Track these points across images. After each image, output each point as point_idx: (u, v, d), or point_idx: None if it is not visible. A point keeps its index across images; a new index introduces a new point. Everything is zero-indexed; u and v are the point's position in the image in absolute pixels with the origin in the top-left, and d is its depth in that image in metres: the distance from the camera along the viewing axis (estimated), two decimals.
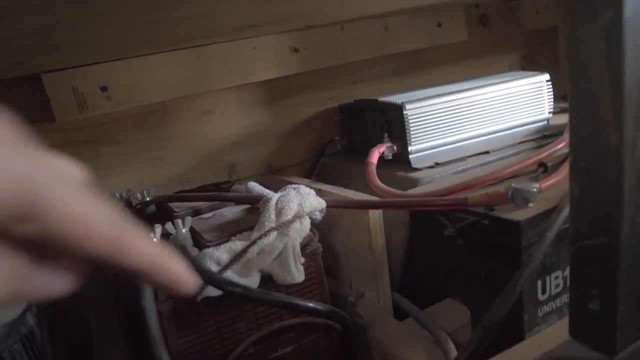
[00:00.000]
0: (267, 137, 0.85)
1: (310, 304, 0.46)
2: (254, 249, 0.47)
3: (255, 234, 0.49)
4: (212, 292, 0.46)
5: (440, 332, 0.53)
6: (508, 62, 1.15)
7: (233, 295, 0.45)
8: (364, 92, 0.91)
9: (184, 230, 0.51)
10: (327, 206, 0.56)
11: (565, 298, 0.57)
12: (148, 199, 0.71)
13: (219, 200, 0.63)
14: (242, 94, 0.81)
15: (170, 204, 0.67)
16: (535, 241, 0.51)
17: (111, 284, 0.74)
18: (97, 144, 0.72)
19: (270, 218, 0.50)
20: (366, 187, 0.65)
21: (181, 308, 0.47)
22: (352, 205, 0.57)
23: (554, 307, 0.56)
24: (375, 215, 0.59)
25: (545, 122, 0.81)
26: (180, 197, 0.67)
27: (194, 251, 0.49)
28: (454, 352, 0.49)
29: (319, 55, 0.84)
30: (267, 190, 0.62)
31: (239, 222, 0.56)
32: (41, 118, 0.66)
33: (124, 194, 0.72)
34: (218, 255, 0.47)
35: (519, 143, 0.76)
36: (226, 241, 0.50)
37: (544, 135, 0.78)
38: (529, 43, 1.17)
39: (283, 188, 0.59)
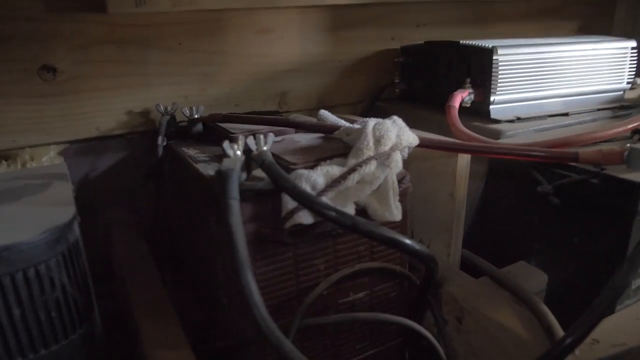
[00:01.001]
0: (324, 69, 0.78)
1: (415, 245, 0.40)
2: (354, 177, 0.41)
3: (353, 161, 0.43)
4: (305, 218, 0.40)
5: (529, 294, 0.48)
6: (567, 29, 1.09)
7: (338, 225, 0.39)
8: (427, 36, 0.84)
9: (265, 147, 0.44)
10: (420, 145, 0.50)
11: None
12: (197, 115, 0.64)
13: (286, 126, 0.57)
14: (305, 16, 0.73)
15: (223, 125, 0.60)
16: None
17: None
18: (146, 47, 0.63)
19: (369, 146, 0.44)
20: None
21: (264, 233, 0.41)
22: (444, 147, 0.52)
23: None
24: (464, 160, 0.53)
25: (622, 92, 0.76)
26: (239, 117, 0.60)
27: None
28: (550, 316, 0.45)
29: None
30: (343, 121, 0.56)
31: (321, 148, 0.49)
32: (91, 6, 0.58)
33: (168, 108, 0.65)
34: (315, 178, 0.41)
35: (597, 110, 0.71)
36: (313, 166, 0.44)
37: (621, 105, 0.73)
38: (587, 14, 1.11)
39: (366, 119, 0.53)
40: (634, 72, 0.76)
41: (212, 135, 0.61)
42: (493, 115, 0.64)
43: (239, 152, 0.42)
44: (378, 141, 0.45)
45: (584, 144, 0.54)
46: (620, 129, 0.57)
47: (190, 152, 0.56)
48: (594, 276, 0.52)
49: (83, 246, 0.41)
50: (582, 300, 0.46)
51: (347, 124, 0.54)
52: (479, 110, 0.65)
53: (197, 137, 0.63)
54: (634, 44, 0.74)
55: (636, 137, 0.58)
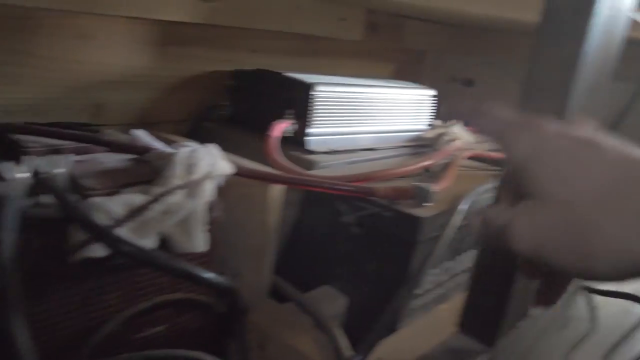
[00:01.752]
0: (148, 84, 0.74)
1: (215, 278, 0.40)
2: (158, 207, 0.40)
3: (158, 190, 0.42)
4: (97, 251, 0.37)
5: (327, 319, 0.52)
6: (385, 71, 1.21)
7: (133, 260, 0.37)
8: (261, 63, 0.86)
9: (59, 170, 0.41)
10: (235, 174, 0.50)
11: (433, 294, 0.61)
12: None
13: (93, 143, 0.52)
14: (132, 27, 0.69)
15: (19, 137, 0.54)
16: (431, 237, 0.53)
17: None
18: None
19: (177, 174, 0.43)
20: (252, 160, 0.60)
21: (48, 267, 0.37)
22: (260, 177, 0.53)
23: (424, 301, 0.59)
24: (277, 190, 0.55)
25: (422, 132, 0.87)
26: (40, 130, 0.54)
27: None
28: (341, 340, 0.49)
29: (228, 12, 0.76)
30: (158, 143, 0.54)
31: (127, 172, 0.47)
32: None
33: None
34: (112, 208, 0.38)
35: (400, 147, 0.80)
36: (113, 192, 0.42)
37: (419, 144, 0.84)
38: (402, 59, 1.26)
39: (181, 144, 0.52)
40: (433, 116, 0.87)
41: (3, 148, 0.54)
42: (310, 147, 0.68)
43: (23, 174, 0.38)
44: (188, 169, 0.44)
45: (381, 180, 0.60)
46: (413, 167, 0.65)
47: None
48: (384, 299, 0.58)
49: None
50: (374, 321, 0.51)
51: (161, 147, 0.52)
52: (297, 141, 0.69)
53: None
54: (434, 92, 0.85)
55: (427, 174, 0.67)
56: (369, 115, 0.76)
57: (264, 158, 0.61)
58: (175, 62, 0.77)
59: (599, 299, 0.70)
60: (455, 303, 0.55)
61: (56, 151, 0.52)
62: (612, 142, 0.27)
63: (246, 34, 0.85)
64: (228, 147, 0.72)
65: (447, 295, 0.64)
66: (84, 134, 0.55)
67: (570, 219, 0.26)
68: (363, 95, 0.74)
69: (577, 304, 0.70)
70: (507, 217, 0.28)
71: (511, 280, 0.45)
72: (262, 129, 0.69)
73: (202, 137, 0.79)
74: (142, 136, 0.54)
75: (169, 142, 0.56)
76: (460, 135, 0.82)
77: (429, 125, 0.88)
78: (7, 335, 0.30)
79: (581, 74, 0.37)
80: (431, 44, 1.30)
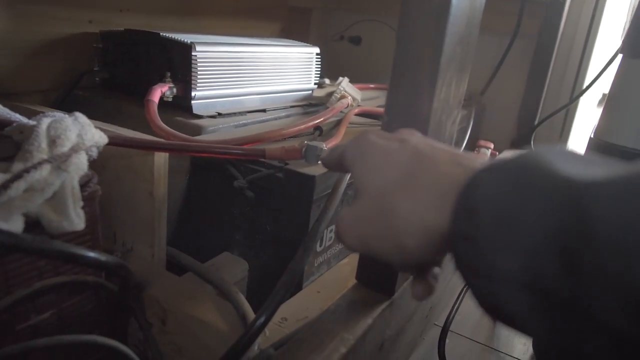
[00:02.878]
0: (4, 49, 0.65)
1: (99, 256, 0.37)
2: (20, 185, 0.36)
3: (19, 166, 0.37)
4: None
5: (229, 285, 0.51)
6: (269, 30, 1.19)
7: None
8: (129, 23, 0.79)
9: None
10: (110, 143, 0.46)
11: (334, 250, 0.63)
12: None
13: None
14: None
15: None
16: (324, 195, 0.54)
17: None
18: None
19: (40, 147, 0.39)
20: (133, 128, 0.56)
21: None
22: (139, 145, 0.49)
23: (325, 258, 0.61)
24: (161, 158, 0.52)
25: (310, 92, 0.87)
26: None
27: None
28: (245, 304, 0.48)
29: None
30: (17, 115, 0.48)
31: None
32: None
33: None
34: None
35: (290, 107, 0.80)
36: None
37: (310, 103, 0.84)
38: (289, 18, 1.24)
39: (43, 114, 0.47)
40: (319, 74, 0.88)
41: None
42: (195, 111, 0.65)
43: None
44: (53, 142, 0.40)
45: (273, 141, 0.60)
46: (304, 126, 0.65)
47: None
48: (286, 260, 0.58)
49: None
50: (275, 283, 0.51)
51: (22, 119, 0.46)
52: (181, 105, 0.65)
53: None
54: (317, 50, 0.85)
55: (316, 133, 0.67)
56: (255, 76, 0.74)
57: (143, 124, 0.57)
58: (34, 24, 0.69)
59: None
60: (355, 257, 0.57)
61: None
62: (419, 140, 0.30)
63: None
64: (104, 115, 0.67)
65: (347, 251, 0.66)
66: None
67: (379, 205, 0.28)
68: (247, 55, 0.71)
69: None
70: (338, 217, 0.31)
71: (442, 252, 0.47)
72: (141, 93, 0.64)
73: (74, 107, 0.72)
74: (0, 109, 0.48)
75: (33, 114, 0.50)
76: (349, 92, 0.83)
77: (316, 84, 0.88)
78: None
79: (453, 17, 0.38)
80: (316, 2, 1.30)
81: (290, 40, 0.88)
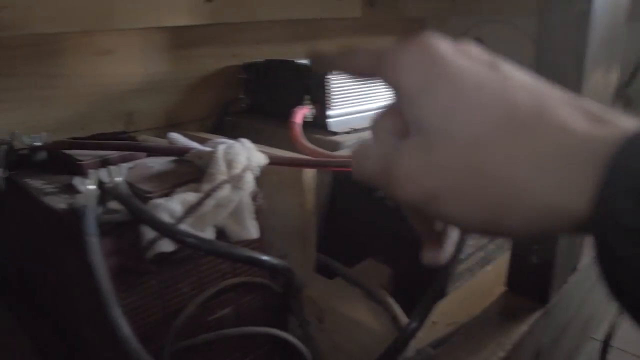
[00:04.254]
0: (169, 87, 0.78)
1: (272, 260, 0.44)
2: (210, 202, 0.44)
3: (207, 186, 0.45)
4: (166, 246, 0.42)
5: (377, 289, 0.55)
6: (388, 43, 1.23)
7: (199, 250, 0.41)
8: (266, 53, 0.89)
9: (118, 178, 0.44)
10: (269, 163, 0.54)
11: (476, 257, 0.64)
12: (39, 143, 0.60)
13: (136, 150, 0.56)
14: (147, 37, 0.73)
15: (70, 152, 0.58)
16: None
17: None
18: None
19: (221, 170, 0.47)
20: (276, 147, 0.64)
21: (126, 265, 0.42)
22: (292, 163, 0.56)
23: (468, 265, 0.63)
24: (310, 173, 0.58)
25: None
26: (86, 144, 0.58)
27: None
28: (395, 307, 0.52)
29: (229, 8, 0.79)
30: (194, 142, 0.58)
31: (175, 174, 0.50)
32: None
33: (7, 137, 0.59)
34: (172, 207, 0.42)
35: None
36: (169, 193, 0.46)
37: None
38: (404, 28, 1.27)
39: (215, 141, 0.56)
40: None
41: (57, 164, 0.58)
42: (331, 128, 0.71)
43: (91, 187, 0.41)
44: (229, 165, 0.48)
45: None
46: None
47: (36, 183, 0.53)
48: (427, 266, 0.61)
49: None
50: (421, 288, 0.55)
51: (198, 146, 0.55)
52: (318, 124, 0.72)
53: (41, 166, 0.59)
54: None
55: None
56: (386, 90, 0.78)
57: (283, 143, 0.64)
58: (190, 63, 0.81)
59: None
60: (499, 264, 0.57)
61: (106, 161, 0.56)
62: (517, 71, 0.22)
63: (249, 27, 0.88)
64: (249, 136, 0.77)
65: (489, 258, 0.67)
66: (126, 143, 0.59)
67: (470, 159, 0.20)
68: None
69: None
70: (389, 156, 0.23)
71: (555, 236, 0.45)
72: (281, 115, 0.72)
73: (226, 131, 0.84)
74: (179, 138, 0.58)
75: (200, 140, 0.60)
76: None
77: None
78: (109, 322, 0.35)
79: (595, 24, 0.39)
80: (430, 9, 1.31)
81: None
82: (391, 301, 0.52)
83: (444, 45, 0.22)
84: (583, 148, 0.18)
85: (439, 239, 0.28)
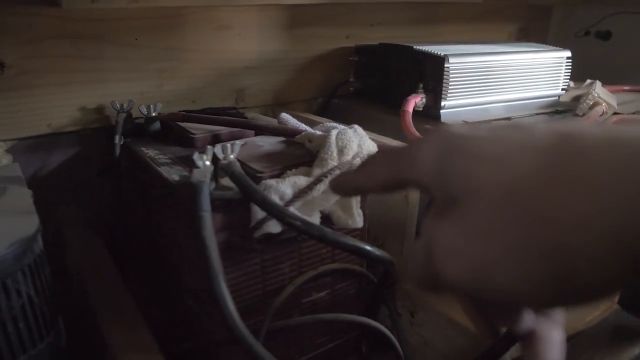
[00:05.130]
0: (280, 66, 0.79)
1: (375, 250, 0.43)
2: (320, 187, 0.44)
3: (318, 171, 0.45)
4: (274, 227, 0.42)
5: None
6: (507, 32, 1.15)
7: (306, 235, 0.41)
8: (380, 35, 0.87)
9: (232, 156, 0.45)
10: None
11: None
12: (154, 113, 0.63)
13: (248, 128, 0.58)
14: (263, 14, 0.74)
15: (183, 124, 0.60)
16: None
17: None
18: (101, 42, 0.62)
19: (332, 155, 0.46)
20: (382, 135, 0.62)
21: (233, 242, 0.43)
22: None
23: None
24: None
25: (557, 97, 0.83)
26: (199, 117, 0.60)
27: None
28: None
29: None
30: (303, 125, 0.58)
31: (285, 155, 0.51)
32: (44, 0, 0.55)
33: (124, 105, 0.64)
34: (283, 189, 0.42)
35: (535, 114, 0.77)
36: (279, 174, 0.46)
37: (557, 110, 0.80)
38: (527, 17, 1.18)
39: (328, 126, 0.55)
40: (568, 79, 0.82)
41: (170, 135, 0.61)
42: (443, 119, 0.68)
43: (208, 163, 0.43)
44: (341, 151, 0.47)
45: None
46: None
47: (150, 152, 0.56)
48: None
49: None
50: None
51: (308, 129, 0.55)
52: (429, 114, 0.69)
53: (155, 135, 0.63)
54: (568, 53, 0.80)
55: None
56: (501, 84, 0.73)
57: (390, 130, 0.62)
58: (303, 43, 0.81)
59: None
60: None
61: (216, 136, 0.58)
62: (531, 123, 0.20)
63: (363, 9, 0.86)
64: (356, 121, 0.75)
65: None
66: (238, 120, 0.60)
67: (512, 209, 0.18)
68: (495, 64, 0.71)
69: None
70: (429, 236, 0.21)
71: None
72: (391, 102, 0.70)
73: (332, 114, 0.83)
74: (289, 119, 0.58)
75: (307, 122, 0.60)
76: (603, 97, 0.77)
77: (564, 89, 0.83)
78: (216, 297, 0.36)
79: None
80: None
81: (538, 45, 0.84)
82: None
83: (456, 127, 0.22)
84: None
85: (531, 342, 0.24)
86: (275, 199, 0.42)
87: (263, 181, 0.43)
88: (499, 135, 0.20)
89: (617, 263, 0.16)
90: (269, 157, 0.50)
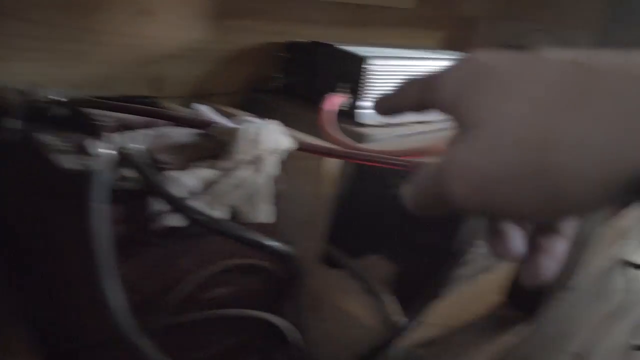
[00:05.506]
0: (204, 57, 0.77)
1: (277, 246, 0.43)
2: (228, 181, 0.43)
3: (227, 164, 0.44)
4: (175, 221, 0.41)
5: (377, 284, 0.54)
6: (434, 40, 1.19)
7: (209, 229, 0.40)
8: (311, 34, 0.87)
9: (137, 146, 0.44)
10: (298, 148, 0.52)
11: (479, 264, 0.63)
12: (61, 99, 0.60)
13: (160, 118, 0.56)
14: (189, 2, 0.72)
15: (91, 111, 0.57)
16: None
17: None
18: (6, 18, 0.57)
19: (244, 149, 0.46)
20: (307, 133, 0.62)
21: (130, 234, 0.41)
22: (320, 152, 0.55)
23: (469, 272, 0.61)
24: (332, 163, 0.57)
25: None
26: (109, 104, 0.57)
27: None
28: (391, 304, 0.51)
29: None
30: (219, 117, 0.57)
31: (195, 147, 0.50)
32: None
33: (28, 87, 0.60)
34: (188, 182, 0.41)
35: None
36: (186, 166, 0.45)
37: None
38: (455, 27, 1.23)
39: (243, 119, 0.55)
40: None
41: (77, 122, 0.58)
42: (361, 120, 0.70)
43: (109, 151, 0.41)
44: (254, 145, 0.47)
45: (433, 154, 0.61)
46: None
47: (49, 139, 0.53)
48: (431, 268, 0.60)
49: None
50: (422, 289, 0.54)
51: (223, 121, 0.55)
52: (348, 114, 0.70)
53: (60, 122, 0.59)
54: None
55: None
56: None
57: (314, 129, 0.63)
58: (230, 35, 0.79)
59: (635, 272, 0.70)
60: (500, 273, 0.57)
61: (126, 125, 0.56)
62: (561, 52, 0.21)
63: (298, 5, 0.85)
64: (280, 118, 0.75)
65: (493, 266, 0.66)
66: (150, 109, 0.58)
67: (518, 132, 0.20)
68: (415, 69, 0.74)
69: (614, 276, 0.71)
70: (440, 162, 0.23)
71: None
72: (316, 101, 0.70)
73: (255, 109, 0.82)
74: (205, 111, 0.57)
75: (227, 115, 0.59)
76: None
77: None
78: (101, 292, 0.35)
79: None
80: (483, 11, 1.27)
81: (457, 53, 0.88)
82: (387, 298, 0.51)
83: (485, 54, 0.23)
84: None
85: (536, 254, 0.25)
86: (180, 191, 0.41)
87: (167, 173, 0.42)
88: (517, 65, 0.21)
89: (609, 184, 0.17)
90: (179, 148, 0.49)
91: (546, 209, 0.19)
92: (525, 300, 0.51)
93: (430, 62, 0.76)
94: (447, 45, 1.23)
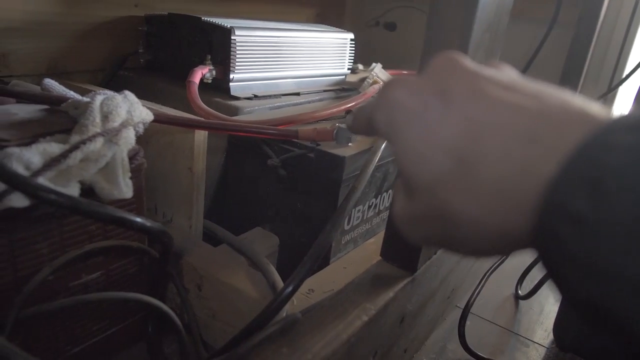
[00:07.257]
0: (56, 31, 0.70)
1: (144, 222, 0.41)
2: (77, 155, 0.40)
3: (76, 138, 0.41)
4: (19, 201, 0.37)
5: (260, 257, 0.54)
6: (305, 15, 1.21)
7: (57, 207, 0.37)
8: (172, 7, 0.83)
9: None
10: (155, 120, 0.50)
11: (361, 229, 0.65)
12: None
13: (2, 94, 0.50)
14: None
15: None
16: (353, 176, 0.57)
17: None
18: None
19: (95, 122, 0.42)
20: (173, 107, 0.60)
21: None
22: (181, 123, 0.53)
23: (352, 237, 0.63)
24: (201, 136, 0.55)
25: (344, 77, 0.89)
26: None
27: None
28: (275, 275, 0.52)
29: None
30: (71, 92, 0.52)
31: (42, 123, 0.45)
32: None
33: None
34: (28, 157, 0.37)
35: (323, 91, 0.82)
36: (30, 142, 0.41)
37: (343, 88, 0.86)
38: (324, 3, 1.25)
39: (96, 92, 0.51)
40: (352, 60, 0.89)
41: None
42: (232, 92, 0.68)
43: None
44: (106, 117, 0.43)
45: (305, 123, 0.62)
46: (335, 109, 0.67)
47: None
48: (314, 236, 0.62)
49: None
50: (305, 257, 0.54)
51: (76, 96, 0.50)
52: (219, 87, 0.68)
53: None
54: (351, 36, 0.87)
55: (348, 116, 0.70)
56: (291, 60, 0.76)
57: (181, 104, 0.61)
58: (84, 7, 0.73)
59: None
60: (381, 237, 0.59)
61: None
62: (467, 90, 0.21)
63: None
64: (148, 95, 0.71)
65: (374, 231, 0.69)
66: None
67: (432, 206, 0.21)
68: (284, 40, 0.74)
69: None
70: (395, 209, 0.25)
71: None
72: (181, 75, 0.68)
73: (119, 87, 0.77)
74: (55, 86, 0.52)
75: (83, 92, 0.54)
76: (381, 78, 0.85)
77: (349, 69, 0.90)
78: None
79: (480, 12, 0.40)
80: None
81: (326, 26, 0.90)
82: (271, 269, 0.51)
83: (400, 91, 0.23)
84: (523, 178, 0.18)
85: None
86: (19, 168, 0.37)
87: (4, 149, 0.38)
88: (422, 116, 0.22)
89: (496, 245, 0.20)
90: (21, 125, 0.44)
91: (472, 256, 0.23)
92: (402, 257, 0.53)
93: (295, 34, 0.76)
94: (318, 22, 1.25)
